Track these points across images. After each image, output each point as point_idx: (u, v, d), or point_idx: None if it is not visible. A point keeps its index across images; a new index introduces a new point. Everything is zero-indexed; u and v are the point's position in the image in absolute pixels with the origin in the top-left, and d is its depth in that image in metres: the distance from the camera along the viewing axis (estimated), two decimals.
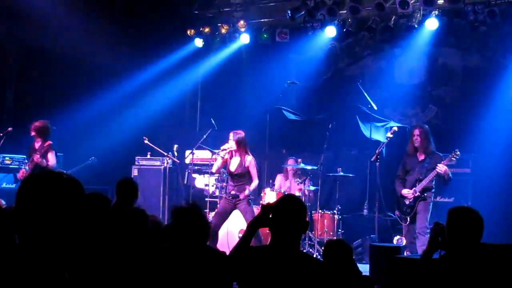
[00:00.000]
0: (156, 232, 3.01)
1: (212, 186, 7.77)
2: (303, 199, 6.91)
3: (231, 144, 6.32)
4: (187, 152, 8.22)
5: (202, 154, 8.52)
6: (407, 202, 6.35)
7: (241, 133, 6.34)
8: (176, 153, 7.99)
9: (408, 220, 6.31)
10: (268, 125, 8.01)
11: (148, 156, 8.62)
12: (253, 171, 6.25)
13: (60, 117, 7.46)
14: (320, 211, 7.29)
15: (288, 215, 2.62)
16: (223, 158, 6.36)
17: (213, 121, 7.28)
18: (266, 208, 2.75)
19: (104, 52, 8.45)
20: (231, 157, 6.44)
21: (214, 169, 6.53)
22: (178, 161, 8.07)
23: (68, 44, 8.21)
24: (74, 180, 1.44)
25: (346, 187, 7.88)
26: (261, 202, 7.35)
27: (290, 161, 7.88)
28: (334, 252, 3.12)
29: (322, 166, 7.22)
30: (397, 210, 6.51)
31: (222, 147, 6.41)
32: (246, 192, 6.27)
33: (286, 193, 7.40)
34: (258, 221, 2.79)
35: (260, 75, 9.00)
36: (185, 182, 7.90)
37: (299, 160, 7.52)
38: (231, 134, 6.37)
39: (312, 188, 7.43)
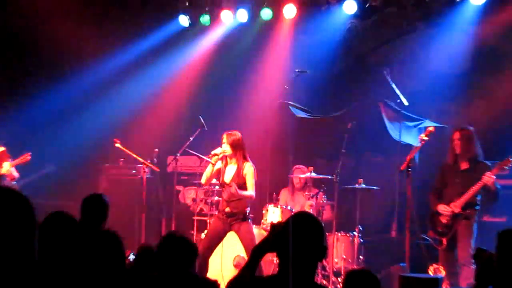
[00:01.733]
0: (147, 261, 3.09)
1: (201, 201, 7.89)
2: None
3: (224, 148, 6.33)
4: (170, 158, 8.25)
5: (188, 161, 8.53)
6: (443, 221, 6.34)
7: (237, 135, 6.35)
8: (155, 160, 8.04)
9: (445, 243, 6.31)
10: (271, 125, 8.12)
11: (121, 164, 8.78)
12: (251, 182, 6.26)
13: (10, 113, 7.52)
14: (336, 233, 7.33)
15: (301, 238, 2.66)
16: (213, 164, 6.36)
17: (201, 119, 7.29)
18: (276, 228, 2.78)
19: (66, 32, 8.52)
20: (225, 165, 6.47)
21: (203, 180, 6.51)
22: (158, 170, 8.07)
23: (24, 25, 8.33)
24: (20, 196, 1.40)
25: (369, 203, 7.97)
26: (263, 221, 7.44)
27: (299, 170, 7.93)
28: (356, 285, 3.11)
29: (338, 177, 7.24)
30: (431, 230, 6.52)
31: (213, 152, 6.42)
32: (240, 191, 6.25)
33: (293, 210, 7.44)
34: (264, 245, 2.81)
35: (262, 62, 9.09)
36: (165, 196, 8.13)
37: (310, 168, 7.52)
38: (224, 136, 6.37)
39: (326, 204, 7.49)
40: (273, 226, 2.83)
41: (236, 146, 6.28)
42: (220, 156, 6.33)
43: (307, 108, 8.69)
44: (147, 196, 7.74)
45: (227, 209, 6.30)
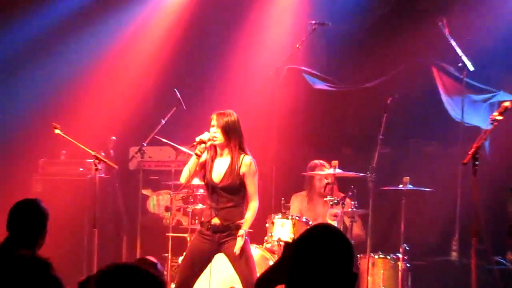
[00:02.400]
0: None
1: (178, 210, 7.89)
2: None
3: (214, 134, 6.34)
4: (133, 150, 8.33)
5: (159, 154, 8.75)
6: None
7: (232, 115, 6.38)
8: (112, 153, 8.18)
9: None
10: (276, 101, 8.18)
11: (62, 159, 8.85)
12: (253, 186, 6.34)
13: None
14: (372, 255, 7.38)
15: (322, 262, 2.73)
16: (199, 156, 6.35)
17: (177, 94, 7.40)
18: (291, 249, 2.84)
19: None
20: (212, 158, 6.44)
21: (183, 179, 6.48)
22: (117, 167, 8.01)
23: None
24: None
25: (419, 211, 8.00)
26: (266, 239, 7.40)
27: (317, 166, 7.96)
28: None
29: (374, 174, 7.26)
30: (511, 250, 6.74)
31: (198, 138, 6.36)
32: (246, 227, 6.28)
33: (310, 222, 7.41)
34: (272, 275, 2.90)
35: (263, 13, 9.14)
36: (127, 203, 8.18)
37: (334, 163, 7.49)
38: (214, 117, 6.38)
39: (356, 213, 7.50)
40: (287, 246, 2.88)
41: (230, 132, 6.30)
42: (208, 144, 6.30)
43: (328, 77, 8.77)
44: (100, 204, 7.58)
45: (215, 221, 6.31)
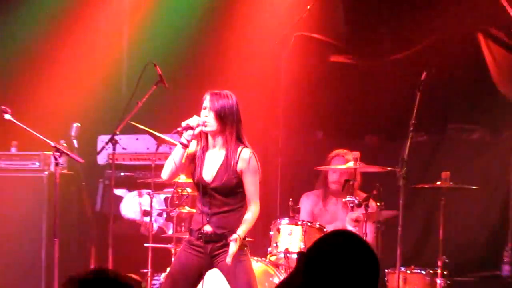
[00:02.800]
0: None
1: (160, 215, 7.99)
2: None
3: (205, 119, 6.36)
4: (101, 139, 8.38)
5: (136, 145, 8.73)
6: None
7: (229, 97, 6.39)
8: (76, 143, 8.12)
9: None
10: (282, 76, 8.23)
11: (14, 151, 8.79)
12: (252, 186, 6.36)
13: None
14: (403, 269, 7.44)
15: (340, 278, 2.82)
16: (185, 145, 6.39)
17: (158, 68, 7.39)
18: (305, 260, 2.92)
19: None
20: (203, 150, 6.47)
21: (165, 175, 6.51)
22: (82, 161, 7.95)
23: None
24: None
25: (462, 215, 8.07)
26: (270, 250, 7.38)
27: (338, 160, 8.04)
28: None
29: (405, 169, 7.26)
30: None
31: (185, 123, 6.30)
32: (240, 232, 6.24)
33: (325, 229, 7.40)
34: None
35: None
36: (98, 207, 8.14)
37: (355, 155, 7.57)
38: (207, 98, 6.36)
39: (382, 217, 7.51)
40: (303, 256, 2.96)
41: (226, 117, 6.29)
42: (197, 131, 6.28)
43: (347, 47, 8.85)
44: (62, 207, 7.61)
45: (207, 228, 6.29)
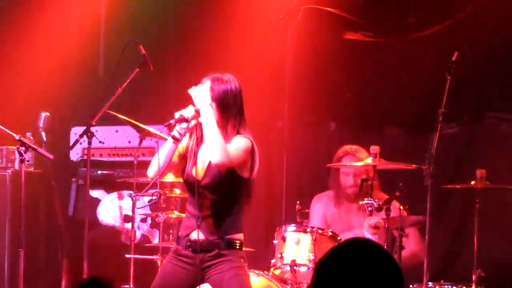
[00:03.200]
0: None
1: (144, 221, 8.00)
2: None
3: (202, 107, 6.34)
4: (75, 131, 8.46)
5: (115, 137, 8.83)
6: None
7: (231, 82, 6.43)
8: (44, 136, 8.18)
9: None
10: (290, 55, 8.35)
11: None
12: (238, 153, 6.32)
13: None
14: (431, 284, 7.48)
15: None
16: (177, 140, 6.38)
17: (142, 48, 7.42)
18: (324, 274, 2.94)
19: None
20: (198, 143, 6.48)
21: (151, 172, 6.52)
22: (52, 157, 7.88)
23: None
24: None
25: (500, 221, 8.09)
26: (273, 262, 7.44)
27: (344, 158, 8.12)
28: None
29: (433, 166, 7.34)
30: None
31: (178, 114, 6.34)
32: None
33: (340, 237, 7.51)
34: None
35: None
36: (71, 211, 8.12)
37: (373, 149, 7.64)
38: (206, 82, 6.41)
39: (407, 222, 7.50)
40: (319, 265, 2.98)
41: (229, 107, 6.36)
42: (192, 124, 6.35)
43: (363, 20, 8.84)
44: (28, 211, 7.61)
45: (196, 235, 6.36)
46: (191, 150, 6.46)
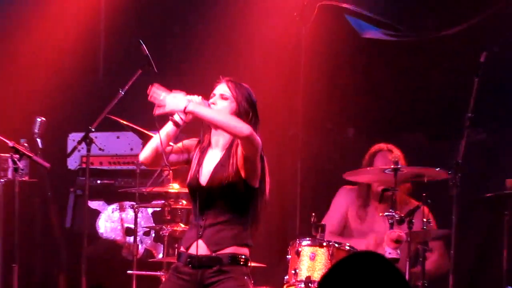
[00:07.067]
0: None
1: (146, 235, 7.99)
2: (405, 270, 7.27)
3: (219, 102, 6.31)
4: (73, 138, 8.48)
5: (115, 144, 8.88)
6: None
7: (249, 90, 6.43)
8: (40, 143, 8.22)
9: None
10: (305, 54, 8.44)
11: None
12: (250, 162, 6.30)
13: None
14: None
15: None
16: (177, 124, 6.34)
17: (145, 48, 7.46)
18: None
19: None
20: (205, 149, 6.45)
21: (143, 155, 6.45)
22: (48, 165, 7.99)
23: None
24: None
25: None
26: (287, 279, 7.40)
27: (378, 155, 8.26)
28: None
29: (460, 175, 7.41)
30: None
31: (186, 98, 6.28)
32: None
33: (353, 250, 7.45)
34: None
35: None
36: (68, 223, 8.25)
37: (395, 153, 7.80)
38: (223, 84, 6.37)
39: (430, 235, 7.61)
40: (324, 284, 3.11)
41: (248, 114, 6.33)
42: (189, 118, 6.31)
43: (384, 19, 8.95)
44: (23, 224, 7.72)
45: (195, 251, 6.23)
46: (196, 156, 6.44)
